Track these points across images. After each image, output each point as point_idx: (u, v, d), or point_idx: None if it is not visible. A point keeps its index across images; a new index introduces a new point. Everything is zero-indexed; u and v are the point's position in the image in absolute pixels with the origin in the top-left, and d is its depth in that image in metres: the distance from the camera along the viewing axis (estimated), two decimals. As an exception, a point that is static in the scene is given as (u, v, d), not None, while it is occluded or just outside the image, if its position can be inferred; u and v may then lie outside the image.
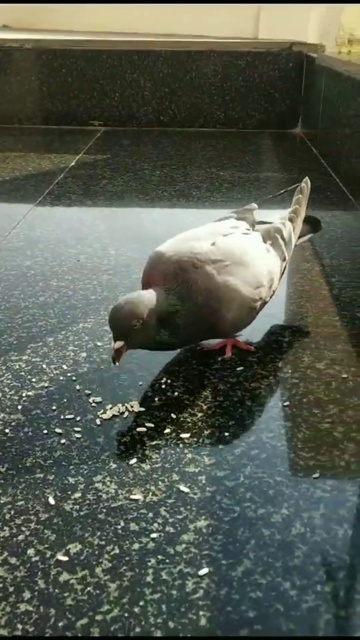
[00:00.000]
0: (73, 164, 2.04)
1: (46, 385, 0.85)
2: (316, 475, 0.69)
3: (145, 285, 0.85)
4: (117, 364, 0.78)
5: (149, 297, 0.80)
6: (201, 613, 0.53)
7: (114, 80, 2.57)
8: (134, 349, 0.82)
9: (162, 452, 0.72)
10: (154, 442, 0.74)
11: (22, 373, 0.87)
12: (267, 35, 2.78)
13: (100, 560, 0.58)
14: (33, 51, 2.56)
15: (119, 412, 0.79)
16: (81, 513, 0.63)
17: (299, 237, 1.02)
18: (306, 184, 1.03)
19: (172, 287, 0.81)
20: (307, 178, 1.04)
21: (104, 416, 0.78)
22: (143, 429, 0.76)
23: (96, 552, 0.59)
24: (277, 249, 0.93)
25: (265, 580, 0.56)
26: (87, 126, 2.62)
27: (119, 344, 0.77)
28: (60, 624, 0.52)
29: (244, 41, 2.66)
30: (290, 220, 0.98)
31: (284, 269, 0.96)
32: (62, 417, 0.78)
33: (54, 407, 0.80)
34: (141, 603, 0.54)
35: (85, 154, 2.17)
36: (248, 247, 0.89)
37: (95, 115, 2.63)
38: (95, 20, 2.99)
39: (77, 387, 0.84)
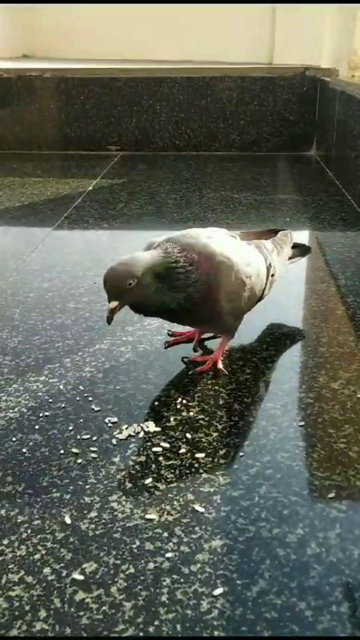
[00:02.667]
0: (90, 188, 2.07)
1: (63, 405, 0.86)
2: (332, 495, 0.69)
3: None
4: (109, 323, 0.81)
5: (144, 256, 0.83)
6: (216, 633, 0.53)
7: (130, 107, 2.62)
8: (137, 312, 0.86)
9: (177, 471, 0.72)
10: (169, 462, 0.74)
11: (40, 393, 0.89)
12: (281, 60, 2.82)
13: (116, 579, 0.59)
14: (52, 80, 2.62)
15: (134, 432, 0.79)
16: (97, 532, 0.64)
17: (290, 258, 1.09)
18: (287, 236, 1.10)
19: (172, 249, 0.85)
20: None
21: (120, 436, 0.79)
22: (158, 449, 0.76)
23: (111, 572, 0.59)
24: (260, 251, 0.98)
25: (280, 601, 0.56)
26: (104, 151, 2.67)
27: (114, 303, 0.80)
28: (76, 642, 0.52)
29: (258, 66, 2.70)
30: (275, 245, 1.04)
31: (270, 278, 0.98)
32: (78, 437, 0.79)
33: (70, 427, 0.81)
34: (156, 623, 0.54)
35: (103, 179, 2.21)
36: (235, 240, 0.96)
37: (113, 141, 2.68)
38: (112, 48, 3.07)
39: (94, 407, 0.85)
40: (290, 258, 1.09)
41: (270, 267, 0.98)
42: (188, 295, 0.84)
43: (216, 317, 0.90)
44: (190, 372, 0.93)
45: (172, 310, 0.85)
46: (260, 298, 0.98)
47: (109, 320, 0.81)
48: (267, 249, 1.00)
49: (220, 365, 0.94)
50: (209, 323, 0.94)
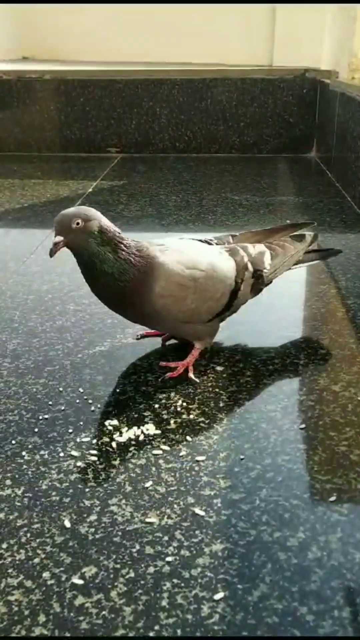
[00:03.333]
0: (90, 190, 2.07)
1: (63, 408, 0.85)
2: (333, 498, 0.68)
3: None
4: (52, 257, 0.84)
5: (103, 216, 0.87)
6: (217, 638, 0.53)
7: (130, 108, 2.62)
8: (79, 256, 0.87)
9: (177, 475, 0.72)
10: (169, 465, 0.74)
11: (39, 396, 0.88)
12: (281, 62, 2.82)
13: (116, 583, 0.58)
14: (52, 81, 2.62)
15: (134, 434, 0.79)
16: (96, 536, 0.64)
17: (298, 263, 1.04)
18: (313, 238, 1.04)
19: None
20: (316, 234, 1.05)
21: (120, 439, 0.78)
22: (159, 452, 0.76)
23: (111, 576, 0.59)
24: (234, 255, 0.96)
25: (281, 605, 0.56)
26: (104, 153, 2.67)
27: (58, 238, 0.84)
28: (75, 647, 0.52)
29: (258, 68, 2.70)
30: (270, 249, 1.00)
31: (254, 283, 0.97)
32: (78, 439, 0.79)
33: (70, 430, 0.80)
34: (156, 627, 0.54)
35: (103, 180, 2.21)
36: (192, 242, 0.96)
37: (113, 143, 2.67)
38: (112, 50, 3.07)
39: (93, 409, 0.85)
40: (305, 261, 1.05)
41: (247, 269, 0.96)
42: (119, 273, 0.86)
43: (156, 316, 0.91)
44: (160, 379, 0.91)
45: (109, 292, 0.88)
46: (232, 300, 0.95)
47: (52, 253, 0.84)
48: (249, 253, 0.97)
49: (191, 372, 0.92)
50: (153, 321, 0.95)
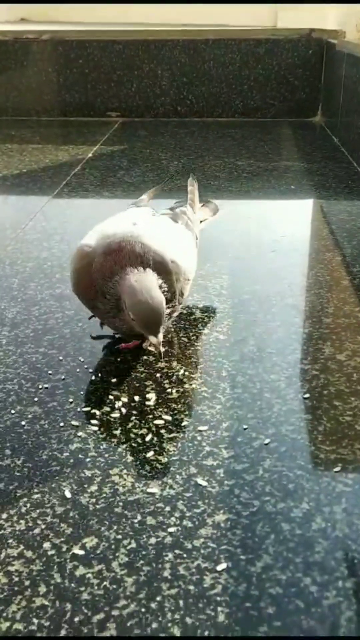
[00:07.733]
0: (90, 155, 2.03)
1: (63, 377, 0.84)
2: (337, 469, 0.67)
3: (105, 274, 0.81)
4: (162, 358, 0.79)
5: (156, 280, 0.79)
6: (219, 609, 0.52)
7: (131, 71, 2.55)
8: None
9: (179, 444, 0.71)
10: (171, 435, 0.73)
11: (39, 365, 0.87)
12: (286, 23, 2.74)
13: (117, 554, 0.57)
14: (50, 42, 2.55)
15: (136, 404, 0.78)
16: (97, 506, 0.63)
17: (201, 222, 1.06)
18: (193, 179, 1.10)
19: (144, 267, 0.79)
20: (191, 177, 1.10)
21: (121, 408, 0.77)
22: (160, 422, 0.75)
23: (112, 547, 0.58)
24: (190, 229, 0.96)
25: (285, 576, 0.55)
26: (104, 117, 2.61)
27: (161, 335, 0.77)
28: (76, 619, 0.51)
29: (262, 29, 2.62)
30: (190, 205, 1.02)
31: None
32: (78, 409, 0.77)
33: (70, 400, 0.79)
34: (158, 598, 0.53)
35: (103, 145, 2.16)
36: (168, 226, 0.92)
37: (113, 107, 2.61)
38: (112, 12, 2.98)
39: (94, 378, 0.83)
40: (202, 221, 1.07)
41: (197, 239, 0.97)
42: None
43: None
44: (115, 347, 0.90)
45: None
46: None
47: (161, 355, 0.78)
48: (191, 219, 0.97)
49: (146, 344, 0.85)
50: None
